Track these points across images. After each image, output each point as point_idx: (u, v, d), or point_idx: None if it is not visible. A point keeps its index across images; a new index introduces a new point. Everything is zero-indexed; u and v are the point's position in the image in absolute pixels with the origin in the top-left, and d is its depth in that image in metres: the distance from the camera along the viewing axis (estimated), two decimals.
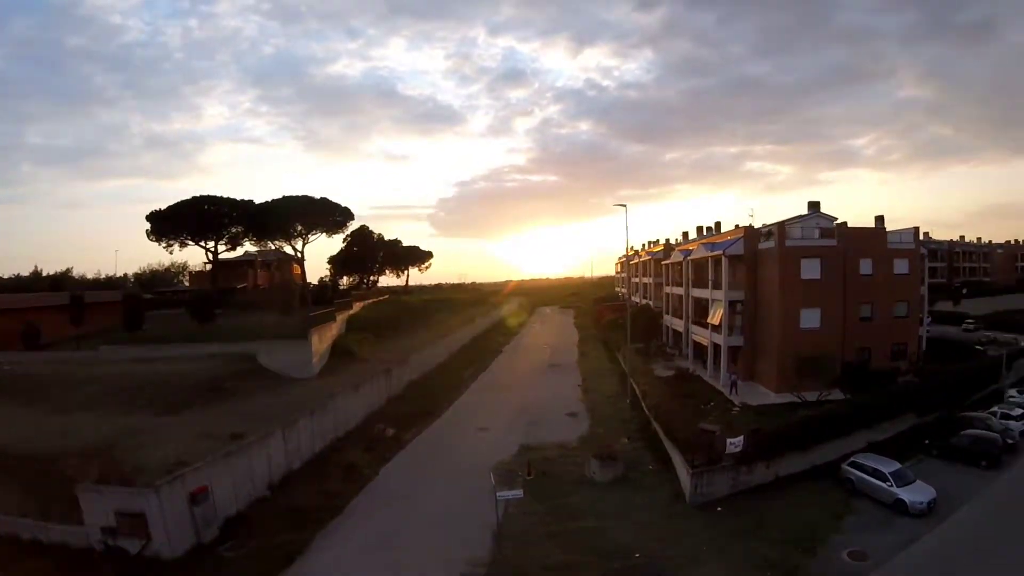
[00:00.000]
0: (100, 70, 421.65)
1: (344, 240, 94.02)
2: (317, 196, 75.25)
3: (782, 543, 20.82)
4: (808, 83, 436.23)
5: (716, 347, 46.11)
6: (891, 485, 24.05)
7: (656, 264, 74.43)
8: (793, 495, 25.23)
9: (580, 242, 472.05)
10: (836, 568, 19.27)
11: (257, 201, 71.69)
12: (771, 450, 26.57)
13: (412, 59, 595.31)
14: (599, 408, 42.22)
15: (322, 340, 47.91)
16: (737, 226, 50.10)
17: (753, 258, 44.07)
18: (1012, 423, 31.60)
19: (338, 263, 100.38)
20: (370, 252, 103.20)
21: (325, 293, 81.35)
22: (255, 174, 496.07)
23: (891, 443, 29.73)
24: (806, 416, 29.50)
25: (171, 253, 69.68)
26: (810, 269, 40.70)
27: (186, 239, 68.19)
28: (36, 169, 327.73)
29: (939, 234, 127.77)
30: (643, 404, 38.33)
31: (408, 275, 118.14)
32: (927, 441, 30.03)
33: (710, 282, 48.06)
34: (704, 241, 58.19)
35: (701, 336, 50.27)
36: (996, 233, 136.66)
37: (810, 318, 40.16)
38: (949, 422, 31.52)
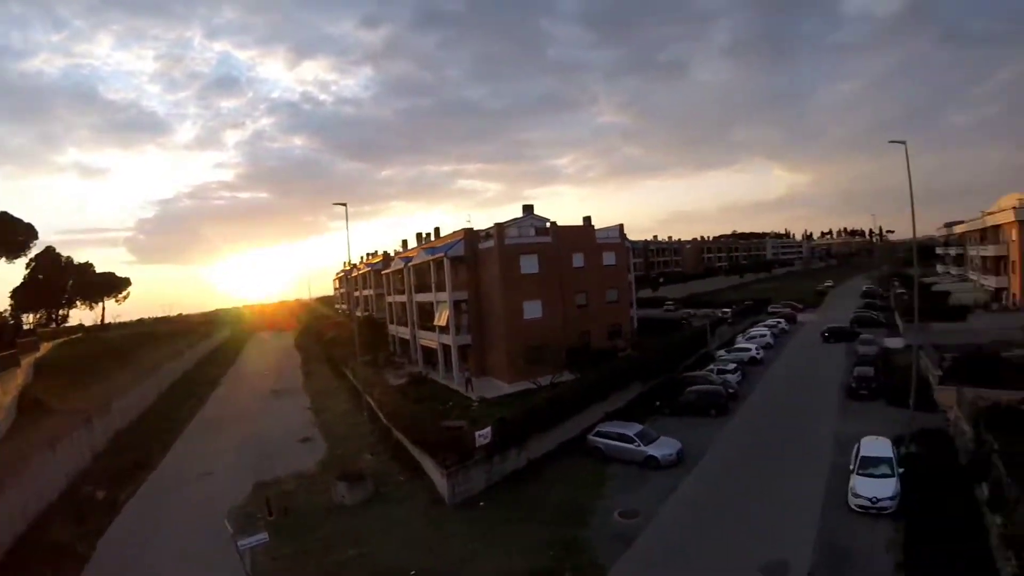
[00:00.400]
0: None
1: (27, 266, 76.23)
2: None
3: (552, 522, 21.35)
4: (519, 108, 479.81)
5: (446, 348, 46.88)
6: (639, 445, 26.49)
7: (376, 275, 74.07)
8: (550, 474, 26.38)
9: (296, 262, 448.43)
10: (612, 531, 20.32)
11: None
12: (519, 435, 27.36)
13: (119, 58, 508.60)
14: (334, 428, 39.56)
15: (6, 392, 37.18)
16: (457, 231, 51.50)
17: (475, 258, 45.72)
18: (729, 376, 38.19)
19: (20, 295, 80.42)
20: (59, 281, 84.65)
21: (3, 333, 64.21)
22: None
23: (626, 411, 33.64)
24: (544, 398, 31.26)
25: None
26: (529, 264, 43.56)
27: None
28: None
29: (635, 236, 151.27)
30: (380, 415, 36.90)
31: (104, 308, 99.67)
32: (658, 403, 34.43)
33: (433, 285, 48.71)
34: (426, 247, 59.17)
35: (429, 340, 50.67)
36: (684, 234, 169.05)
37: (532, 309, 43.03)
38: (673, 384, 36.76)
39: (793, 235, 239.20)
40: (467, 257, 45.91)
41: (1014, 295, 54.32)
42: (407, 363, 57.36)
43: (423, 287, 52.19)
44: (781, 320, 65.91)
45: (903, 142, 24.94)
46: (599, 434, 28.53)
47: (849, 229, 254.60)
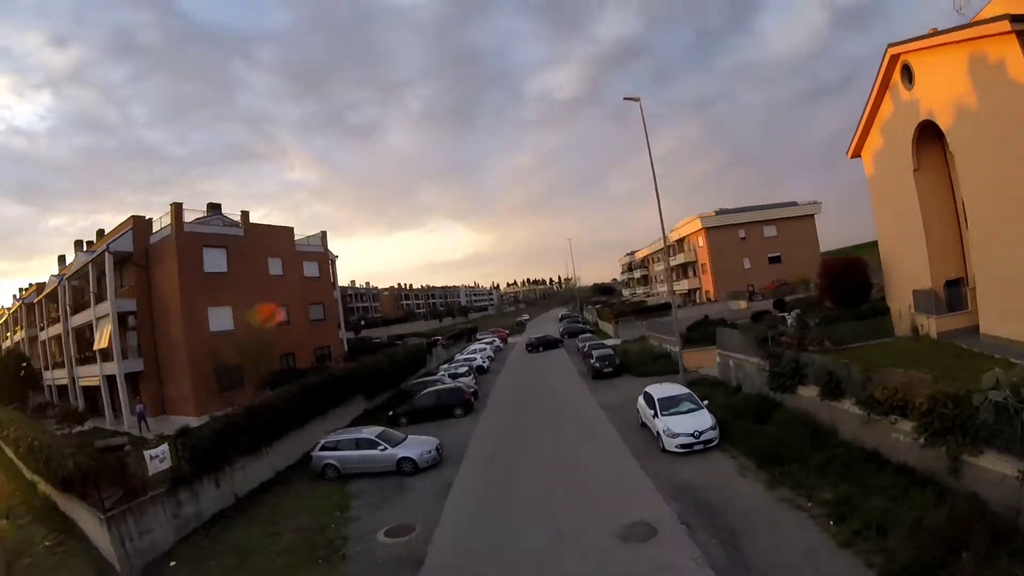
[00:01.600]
0: None
1: None
2: None
3: (292, 568, 13.62)
4: (205, 156, 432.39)
5: (112, 380, 33.42)
6: (384, 448, 20.18)
7: (28, 310, 52.91)
8: (270, 510, 18.09)
9: None
10: (384, 557, 13.52)
11: None
12: (214, 459, 18.56)
13: None
14: None
15: None
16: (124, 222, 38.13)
17: (147, 259, 33.72)
18: (463, 379, 35.26)
19: None
20: None
21: None
22: None
23: (353, 425, 26.62)
24: (243, 408, 22.09)
25: None
26: (215, 260, 33.83)
27: None
28: None
29: None
30: (23, 466, 23.48)
31: None
32: (391, 412, 28.66)
33: (93, 298, 35.10)
34: (86, 252, 43.08)
35: (90, 377, 36.15)
36: (380, 284, 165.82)
37: (221, 319, 33.36)
38: (403, 395, 32.14)
39: (484, 286, 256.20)
40: (137, 255, 33.53)
41: (707, 292, 63.31)
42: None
43: (81, 305, 37.62)
44: (495, 339, 65.72)
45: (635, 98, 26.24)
46: (327, 447, 21.22)
47: (532, 279, 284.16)
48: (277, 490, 19.92)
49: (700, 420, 17.85)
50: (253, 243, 37.10)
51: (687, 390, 20.49)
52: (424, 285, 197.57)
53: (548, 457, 19.26)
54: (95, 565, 15.04)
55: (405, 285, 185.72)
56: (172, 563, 14.84)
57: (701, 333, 33.83)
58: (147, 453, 16.13)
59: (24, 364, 44.08)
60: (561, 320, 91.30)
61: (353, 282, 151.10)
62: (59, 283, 40.26)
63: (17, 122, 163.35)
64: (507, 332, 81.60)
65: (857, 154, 26.10)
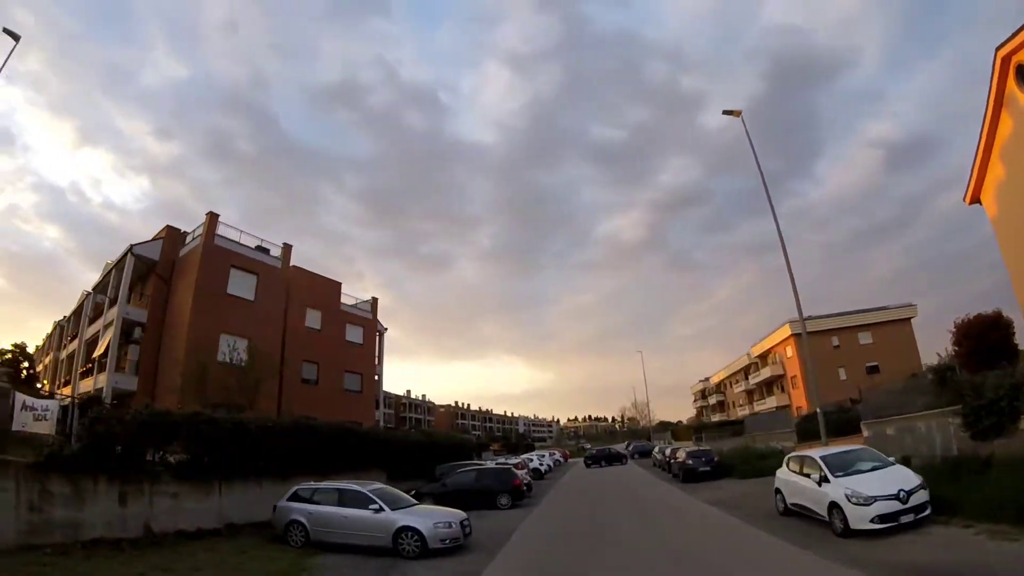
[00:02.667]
0: None
1: None
2: None
3: None
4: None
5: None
6: (379, 510, 12.89)
7: (60, 333, 50.01)
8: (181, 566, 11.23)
9: None
10: None
11: None
12: (131, 456, 13.25)
13: None
14: None
15: None
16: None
17: (171, 270, 29.74)
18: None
19: None
20: None
21: None
22: None
23: None
24: (209, 419, 15.69)
25: None
26: (242, 284, 28.96)
27: None
28: None
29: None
30: None
31: None
32: (413, 491, 20.18)
33: (107, 303, 30.79)
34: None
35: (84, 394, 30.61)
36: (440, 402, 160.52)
37: (233, 350, 27.22)
38: (434, 480, 24.80)
39: (544, 419, 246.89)
40: (162, 266, 29.46)
41: (798, 408, 53.47)
42: None
43: (98, 316, 33.21)
44: (556, 452, 58.15)
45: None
46: (300, 496, 14.32)
47: (594, 416, 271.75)
48: (210, 543, 13.08)
49: (900, 477, 11.00)
50: (294, 283, 32.83)
51: (860, 444, 13.92)
52: (482, 408, 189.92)
53: (645, 551, 11.54)
54: None
55: (463, 404, 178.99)
56: None
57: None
58: (20, 397, 10.37)
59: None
60: (627, 445, 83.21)
61: (408, 392, 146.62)
62: (85, 296, 36.62)
63: (114, 198, 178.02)
64: (569, 452, 76.93)
65: (976, 197, 21.23)
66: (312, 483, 14.79)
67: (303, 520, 13.50)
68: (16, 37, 15.75)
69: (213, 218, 28.84)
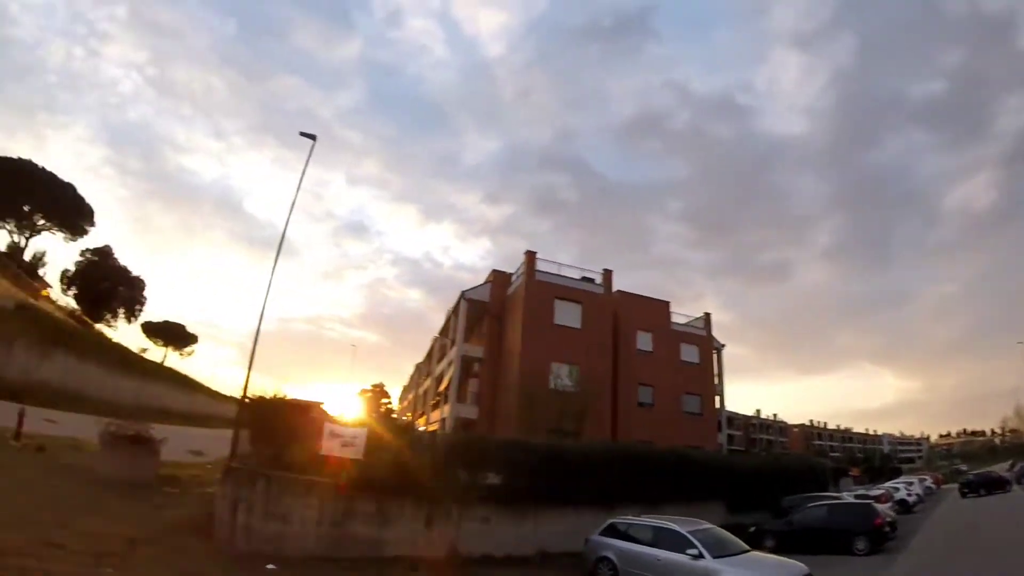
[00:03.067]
0: None
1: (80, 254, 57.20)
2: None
3: None
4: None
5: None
6: (698, 557, 11.72)
7: (418, 373, 61.65)
8: None
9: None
10: None
11: None
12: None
13: (263, 180, 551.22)
14: None
15: None
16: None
17: (502, 308, 34.11)
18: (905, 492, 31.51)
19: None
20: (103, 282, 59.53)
21: None
22: None
23: None
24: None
25: None
26: (568, 314, 31.55)
27: None
28: None
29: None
30: None
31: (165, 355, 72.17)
32: (752, 528, 19.08)
33: (449, 343, 36.55)
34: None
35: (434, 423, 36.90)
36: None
37: (564, 376, 29.79)
38: (780, 513, 22.22)
39: (911, 436, 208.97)
40: (492, 305, 33.83)
41: None
42: None
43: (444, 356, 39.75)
44: (927, 478, 48.62)
45: None
46: (616, 530, 13.83)
47: (970, 430, 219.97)
48: (517, 571, 13.87)
49: None
50: (620, 307, 34.32)
51: None
52: (840, 426, 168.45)
53: None
54: None
55: (819, 423, 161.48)
56: None
57: None
58: (328, 425, 13.26)
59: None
60: (1011, 466, 65.54)
61: (758, 411, 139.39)
62: (434, 340, 44.18)
63: (462, 259, 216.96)
64: (942, 477, 64.96)
65: None
66: (629, 517, 14.33)
67: (612, 557, 13.08)
68: (312, 138, 17.42)
69: (531, 256, 31.61)
